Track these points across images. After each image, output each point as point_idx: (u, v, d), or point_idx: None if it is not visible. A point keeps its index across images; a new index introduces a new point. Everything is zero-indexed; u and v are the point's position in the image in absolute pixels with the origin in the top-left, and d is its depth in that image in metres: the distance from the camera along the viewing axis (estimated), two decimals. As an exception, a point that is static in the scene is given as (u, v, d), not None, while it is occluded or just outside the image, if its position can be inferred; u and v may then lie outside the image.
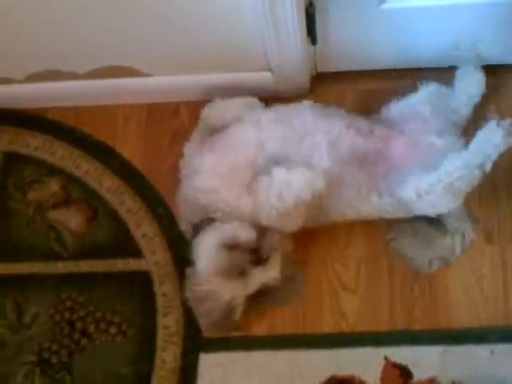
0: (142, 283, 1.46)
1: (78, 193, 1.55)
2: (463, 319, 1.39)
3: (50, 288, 1.47)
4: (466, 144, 1.29)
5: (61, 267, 1.49)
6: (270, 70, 1.49)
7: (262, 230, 1.32)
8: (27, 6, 1.30)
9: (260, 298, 1.35)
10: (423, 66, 1.54)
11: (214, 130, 1.42)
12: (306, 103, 1.41)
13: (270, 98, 1.55)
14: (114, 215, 1.52)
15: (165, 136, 1.58)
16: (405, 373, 1.36)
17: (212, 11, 1.32)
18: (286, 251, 1.35)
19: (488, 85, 1.44)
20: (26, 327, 1.45)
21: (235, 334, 1.39)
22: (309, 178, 1.28)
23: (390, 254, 1.44)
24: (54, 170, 1.57)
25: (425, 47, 1.48)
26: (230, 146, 1.36)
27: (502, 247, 1.43)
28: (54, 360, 1.42)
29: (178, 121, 1.59)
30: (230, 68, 1.50)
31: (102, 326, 1.44)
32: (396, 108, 1.43)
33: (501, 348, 1.36)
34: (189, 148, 1.43)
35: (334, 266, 1.45)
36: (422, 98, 1.41)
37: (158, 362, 1.41)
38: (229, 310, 1.33)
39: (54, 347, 1.43)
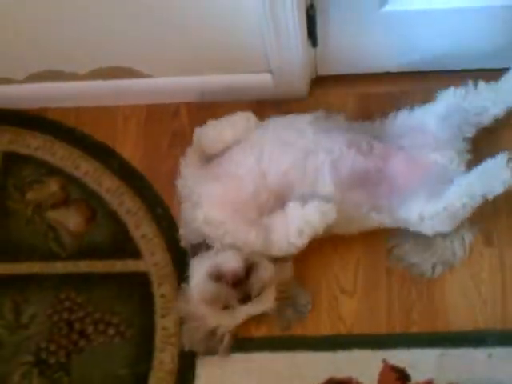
0: (140, 284, 1.46)
1: (78, 193, 1.55)
2: (461, 322, 1.39)
3: (49, 288, 1.47)
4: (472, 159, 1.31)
5: (60, 267, 1.49)
6: (270, 71, 1.49)
7: (251, 265, 1.30)
8: (28, 7, 1.31)
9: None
10: (424, 69, 1.54)
11: (211, 153, 1.41)
12: (306, 118, 1.39)
13: (269, 101, 1.56)
14: (113, 216, 1.52)
15: (164, 137, 1.58)
16: (402, 375, 1.36)
17: (212, 12, 1.32)
18: (288, 277, 1.36)
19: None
20: (23, 327, 1.45)
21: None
22: (323, 211, 1.28)
23: (392, 261, 1.43)
24: (53, 171, 1.57)
25: (425, 50, 1.48)
26: (231, 175, 1.35)
27: (501, 250, 1.43)
28: (51, 360, 1.42)
29: (178, 122, 1.59)
30: (230, 69, 1.50)
31: (101, 326, 1.44)
32: (403, 118, 1.42)
33: (498, 351, 1.36)
34: (186, 168, 1.41)
35: (333, 268, 1.45)
36: (433, 110, 1.39)
37: (156, 363, 1.41)
38: (214, 335, 1.33)
39: (52, 347, 1.43)
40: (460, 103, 1.37)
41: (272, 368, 1.38)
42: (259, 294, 1.29)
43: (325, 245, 1.41)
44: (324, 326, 1.41)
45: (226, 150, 1.39)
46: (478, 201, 1.29)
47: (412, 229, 1.36)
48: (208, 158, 1.41)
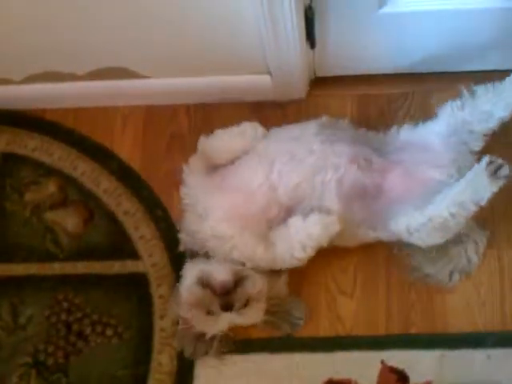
0: (139, 285, 1.46)
1: (76, 194, 1.54)
2: (460, 324, 1.39)
3: (47, 289, 1.46)
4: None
5: (57, 268, 1.48)
6: (268, 73, 1.49)
7: (240, 278, 1.30)
8: (26, 8, 1.30)
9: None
10: (423, 70, 1.54)
11: (218, 163, 1.41)
12: (311, 129, 1.38)
13: (268, 102, 1.56)
14: (110, 217, 1.52)
15: (163, 138, 1.58)
16: (401, 377, 1.36)
17: (211, 14, 1.32)
18: (282, 292, 1.36)
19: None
20: (21, 328, 1.44)
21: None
22: (325, 223, 1.28)
23: (406, 272, 1.41)
24: (51, 171, 1.56)
25: (424, 52, 1.48)
26: (240, 188, 1.34)
27: (500, 252, 1.44)
28: (49, 362, 1.42)
29: (177, 123, 1.59)
30: (229, 71, 1.50)
31: (99, 328, 1.43)
32: (405, 134, 1.41)
33: (497, 353, 1.36)
34: (190, 176, 1.40)
35: (332, 269, 1.45)
36: (438, 130, 1.37)
37: (154, 364, 1.40)
38: (203, 338, 1.33)
39: (50, 349, 1.42)
40: (460, 116, 1.35)
41: (271, 369, 1.38)
42: (244, 306, 1.30)
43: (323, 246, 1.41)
44: (323, 327, 1.41)
45: (232, 160, 1.40)
46: (470, 209, 1.25)
47: (406, 241, 1.35)
48: (212, 167, 1.41)
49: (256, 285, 1.31)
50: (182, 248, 1.40)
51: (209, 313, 1.30)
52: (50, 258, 1.49)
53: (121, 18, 1.34)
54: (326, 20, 1.38)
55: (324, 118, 1.42)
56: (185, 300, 1.32)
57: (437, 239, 1.32)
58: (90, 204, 1.53)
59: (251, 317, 1.33)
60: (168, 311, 1.41)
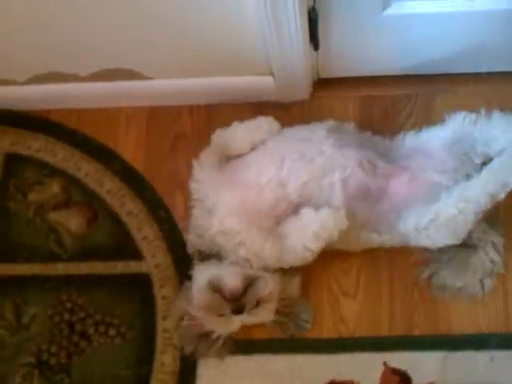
0: (142, 286, 1.46)
1: (79, 194, 1.55)
2: (463, 325, 1.39)
3: (50, 289, 1.46)
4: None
5: (61, 269, 1.48)
6: (271, 74, 1.49)
7: (250, 281, 1.30)
8: (29, 9, 1.31)
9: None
10: (427, 72, 1.54)
11: (227, 157, 1.42)
12: (321, 131, 1.38)
13: (271, 104, 1.56)
14: (114, 217, 1.52)
15: (166, 139, 1.58)
16: (404, 378, 1.36)
17: (214, 15, 1.32)
18: (295, 293, 1.37)
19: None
20: (24, 328, 1.44)
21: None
22: (336, 217, 1.28)
23: (436, 291, 1.40)
24: (55, 172, 1.57)
25: (428, 53, 1.48)
26: (250, 184, 1.34)
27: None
28: (52, 362, 1.42)
29: (180, 124, 1.59)
30: (232, 72, 1.50)
31: (102, 328, 1.43)
32: (410, 140, 1.41)
33: (501, 354, 1.36)
34: (200, 171, 1.40)
35: (335, 271, 1.45)
36: (443, 135, 1.37)
37: (157, 364, 1.41)
38: (207, 338, 1.33)
39: (53, 349, 1.43)
40: (469, 130, 1.36)
41: (273, 370, 1.38)
42: (255, 307, 1.30)
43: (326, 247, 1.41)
44: (326, 329, 1.41)
45: (248, 152, 1.40)
46: (480, 205, 1.26)
47: (413, 244, 1.35)
48: (223, 162, 1.42)
49: (267, 286, 1.31)
50: (189, 249, 1.40)
51: (220, 315, 1.30)
52: (53, 258, 1.49)
53: (124, 19, 1.34)
54: (330, 21, 1.39)
55: (330, 122, 1.43)
56: (196, 302, 1.32)
57: (446, 239, 1.32)
58: (93, 204, 1.54)
59: (262, 317, 1.32)
60: (172, 310, 1.40)
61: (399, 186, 1.35)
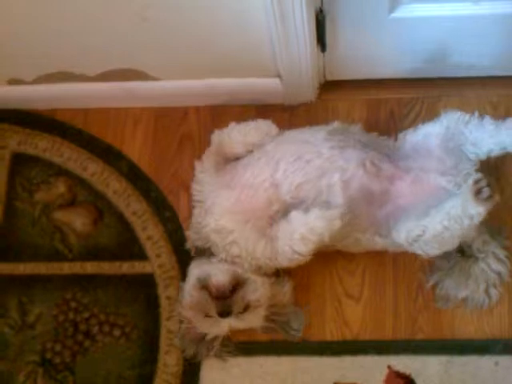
0: (146, 286, 1.46)
1: (85, 194, 1.55)
2: (467, 330, 1.39)
3: (55, 289, 1.47)
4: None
5: (66, 268, 1.49)
6: (278, 76, 1.49)
7: (240, 283, 1.30)
8: (39, 10, 1.31)
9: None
10: (432, 75, 1.54)
11: (227, 158, 1.42)
12: (322, 134, 1.38)
13: (278, 105, 1.56)
14: (119, 217, 1.52)
15: (172, 140, 1.58)
16: (408, 382, 1.35)
17: (221, 17, 1.32)
18: (285, 300, 1.37)
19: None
20: (29, 327, 1.45)
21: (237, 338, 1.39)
22: (327, 218, 1.27)
23: (440, 303, 1.40)
24: (61, 172, 1.57)
25: (434, 57, 1.47)
26: (245, 184, 1.34)
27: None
28: (56, 360, 1.43)
29: (186, 125, 1.60)
30: (239, 73, 1.50)
31: (106, 328, 1.44)
32: (410, 139, 1.41)
33: (505, 360, 1.35)
34: (202, 173, 1.42)
35: (339, 274, 1.45)
36: (437, 131, 1.38)
37: (160, 365, 1.41)
38: (204, 340, 1.33)
39: (58, 348, 1.43)
40: (460, 129, 1.36)
41: (276, 372, 1.38)
42: (244, 312, 1.30)
43: (331, 249, 1.41)
44: (330, 332, 1.41)
45: (245, 154, 1.41)
46: (464, 223, 1.25)
47: (409, 251, 1.34)
48: (223, 162, 1.42)
49: (257, 290, 1.31)
50: (188, 245, 1.42)
51: (207, 315, 1.30)
52: (58, 257, 1.50)
53: (131, 20, 1.34)
54: (337, 24, 1.38)
55: (335, 123, 1.42)
56: (185, 301, 1.33)
57: (436, 250, 1.31)
58: (99, 204, 1.54)
59: (250, 322, 1.32)
60: (175, 312, 1.41)
61: (403, 188, 1.35)
